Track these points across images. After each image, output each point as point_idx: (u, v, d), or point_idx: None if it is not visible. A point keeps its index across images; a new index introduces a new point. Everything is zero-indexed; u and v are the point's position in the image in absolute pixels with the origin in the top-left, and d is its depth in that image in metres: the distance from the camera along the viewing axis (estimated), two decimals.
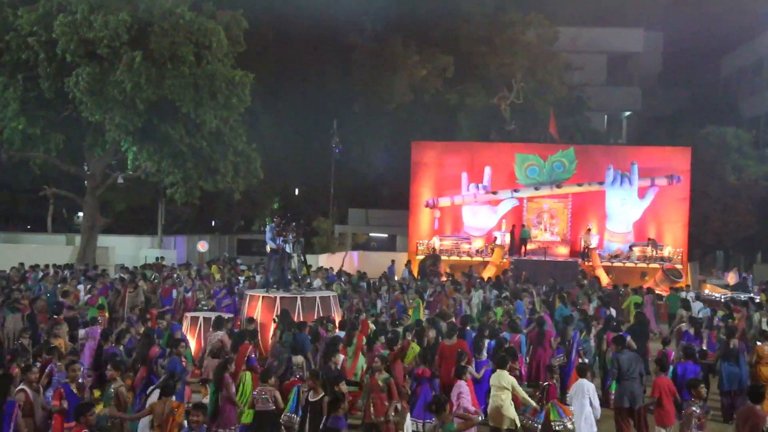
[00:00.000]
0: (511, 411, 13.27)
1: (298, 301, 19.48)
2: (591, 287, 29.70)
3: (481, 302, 24.98)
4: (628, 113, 61.10)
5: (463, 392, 13.00)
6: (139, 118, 32.25)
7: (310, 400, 11.87)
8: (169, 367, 13.54)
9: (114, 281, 27.39)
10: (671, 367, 15.26)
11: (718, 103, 55.36)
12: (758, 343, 17.12)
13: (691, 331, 19.55)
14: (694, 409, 11.29)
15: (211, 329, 17.56)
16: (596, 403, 13.61)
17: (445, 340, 15.89)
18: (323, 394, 11.71)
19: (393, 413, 12.63)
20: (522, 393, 13.67)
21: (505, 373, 13.48)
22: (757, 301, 27.05)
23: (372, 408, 12.90)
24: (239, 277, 29.88)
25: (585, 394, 13.36)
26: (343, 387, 12.38)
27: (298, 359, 15.89)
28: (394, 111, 46.04)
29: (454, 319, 20.10)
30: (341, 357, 15.05)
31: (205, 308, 22.35)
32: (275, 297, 19.60)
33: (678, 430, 12.66)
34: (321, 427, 10.83)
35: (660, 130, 49.36)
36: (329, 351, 14.81)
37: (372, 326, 18.50)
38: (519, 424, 13.48)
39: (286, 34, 45.19)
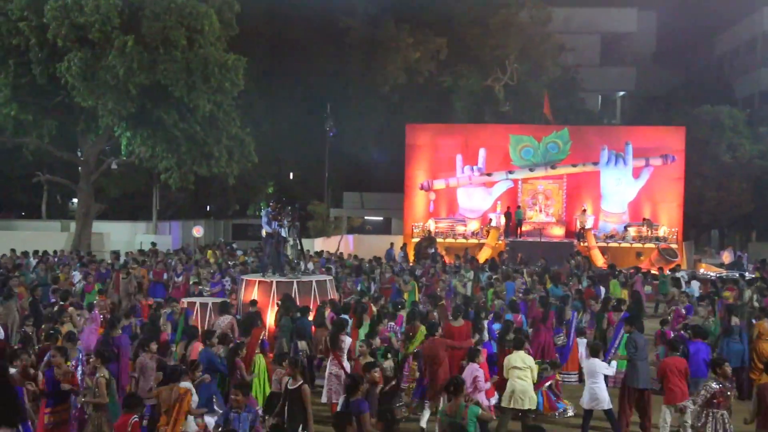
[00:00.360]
0: (532, 391, 13.31)
1: (295, 286, 19.45)
2: (581, 267, 29.84)
3: (471, 283, 25.07)
4: (622, 93, 61.03)
5: (479, 375, 13.01)
6: (132, 103, 32.12)
7: (289, 387, 11.55)
8: (203, 359, 13.31)
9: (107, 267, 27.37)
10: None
11: (712, 82, 55.38)
12: (753, 321, 17.19)
13: (686, 301, 19.82)
14: (713, 385, 11.17)
15: (216, 314, 17.46)
16: (611, 372, 13.98)
17: (452, 322, 15.88)
18: (302, 381, 11.47)
19: None
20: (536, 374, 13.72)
21: (523, 353, 13.48)
22: (749, 277, 27.13)
23: None
24: (229, 262, 29.88)
25: (598, 373, 13.43)
26: (375, 374, 12.20)
27: (303, 344, 15.91)
28: (388, 94, 45.96)
29: (444, 302, 20.22)
30: (348, 339, 15.03)
31: (194, 293, 22.43)
32: (272, 281, 19.58)
33: (689, 408, 12.77)
34: (342, 409, 10.57)
35: (654, 109, 49.35)
36: (336, 332, 14.78)
37: (373, 309, 18.49)
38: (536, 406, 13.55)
39: (278, 17, 44.98)
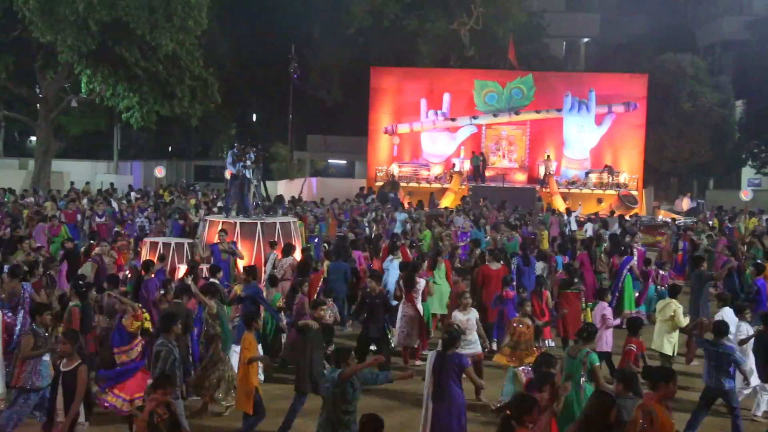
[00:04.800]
0: (675, 337, 13.69)
1: (258, 227, 19.44)
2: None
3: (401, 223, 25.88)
4: (586, 40, 60.92)
5: (607, 314, 13.60)
6: (93, 40, 31.45)
7: (62, 369, 9.35)
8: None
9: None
10: None
11: (676, 30, 55.41)
12: None
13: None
14: None
15: (281, 256, 17.60)
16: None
17: (490, 265, 16.09)
18: (79, 362, 9.38)
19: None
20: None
21: (674, 302, 13.91)
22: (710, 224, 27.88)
23: None
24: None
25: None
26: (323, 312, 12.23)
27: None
28: (353, 36, 45.51)
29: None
30: (423, 281, 14.75)
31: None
32: (235, 222, 19.54)
33: None
34: (436, 364, 9.89)
35: (618, 57, 49.39)
36: (412, 272, 14.64)
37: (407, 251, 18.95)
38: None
39: None
